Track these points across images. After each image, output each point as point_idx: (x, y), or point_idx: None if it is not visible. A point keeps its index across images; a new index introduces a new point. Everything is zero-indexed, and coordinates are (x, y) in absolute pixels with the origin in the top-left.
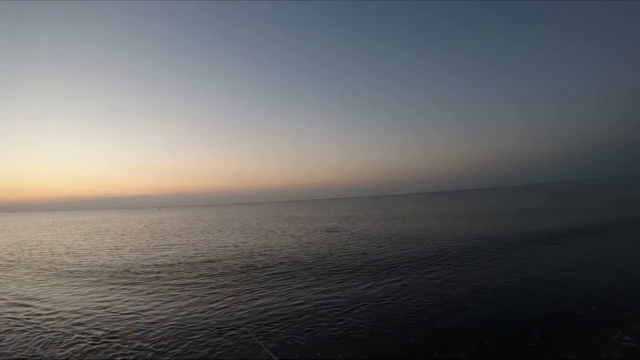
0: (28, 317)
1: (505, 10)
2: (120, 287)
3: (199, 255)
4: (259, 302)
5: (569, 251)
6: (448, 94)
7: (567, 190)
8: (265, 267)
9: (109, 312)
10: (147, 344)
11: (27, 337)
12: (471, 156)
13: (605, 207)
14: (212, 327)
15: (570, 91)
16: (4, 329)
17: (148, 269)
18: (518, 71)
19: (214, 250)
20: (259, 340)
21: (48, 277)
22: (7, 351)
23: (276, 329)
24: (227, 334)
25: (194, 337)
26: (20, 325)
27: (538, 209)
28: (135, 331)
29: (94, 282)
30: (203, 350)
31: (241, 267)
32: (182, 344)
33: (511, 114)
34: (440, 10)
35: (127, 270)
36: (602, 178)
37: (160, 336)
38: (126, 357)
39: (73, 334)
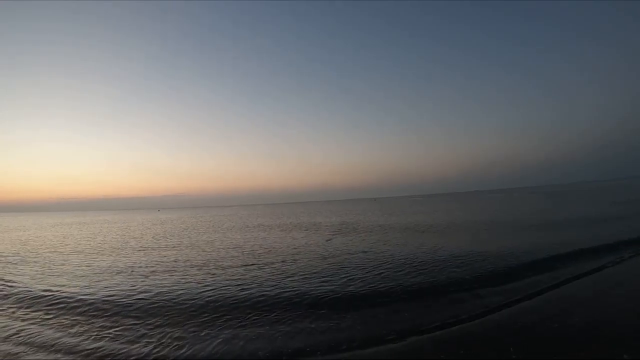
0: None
1: (506, 10)
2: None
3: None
4: None
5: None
6: (449, 95)
7: (568, 192)
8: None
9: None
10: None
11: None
12: (471, 158)
13: (607, 208)
14: None
15: (571, 92)
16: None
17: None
18: (519, 71)
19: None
20: None
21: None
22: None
23: None
24: None
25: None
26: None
27: (540, 217)
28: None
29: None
30: None
31: None
32: None
33: (512, 115)
34: (442, 10)
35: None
36: (602, 180)
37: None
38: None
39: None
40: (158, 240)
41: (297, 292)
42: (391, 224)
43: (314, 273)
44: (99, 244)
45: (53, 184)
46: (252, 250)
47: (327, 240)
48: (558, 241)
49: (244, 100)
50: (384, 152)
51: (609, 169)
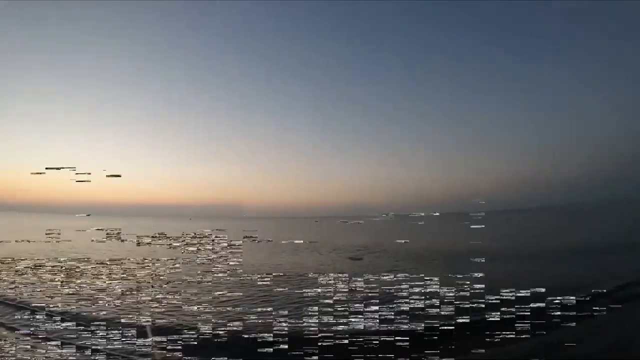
0: None
1: (524, 28)
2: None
3: None
4: None
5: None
6: (466, 112)
7: (592, 211)
8: None
9: None
10: None
11: None
12: (490, 175)
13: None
14: None
15: (589, 108)
16: None
17: None
18: (535, 89)
19: None
20: None
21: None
22: None
23: None
24: None
25: None
26: None
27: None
28: None
29: None
30: None
31: None
32: None
33: (529, 133)
34: (459, 26)
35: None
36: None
37: None
38: None
39: None
40: (188, 249)
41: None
42: (419, 246)
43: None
44: (128, 252)
45: (78, 187)
46: (279, 264)
47: (354, 259)
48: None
49: (272, 115)
50: (404, 167)
51: (628, 187)
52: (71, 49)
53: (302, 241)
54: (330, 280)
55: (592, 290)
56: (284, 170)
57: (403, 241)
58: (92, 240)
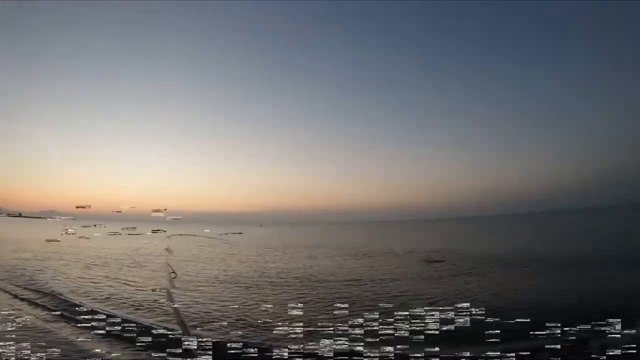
0: None
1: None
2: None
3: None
4: None
5: None
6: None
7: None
8: None
9: None
10: None
11: None
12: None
13: None
14: None
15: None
16: None
17: None
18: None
19: None
20: None
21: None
22: None
23: None
24: None
25: None
26: None
27: None
28: None
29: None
30: None
31: None
32: None
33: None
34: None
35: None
36: None
37: None
38: None
39: None
40: (261, 253)
41: None
42: (491, 248)
43: None
44: (207, 255)
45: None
46: (352, 269)
47: (434, 261)
48: None
49: (343, 118)
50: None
51: None
52: (136, 72)
53: (374, 244)
54: None
55: None
56: (339, 177)
57: (474, 244)
58: None
